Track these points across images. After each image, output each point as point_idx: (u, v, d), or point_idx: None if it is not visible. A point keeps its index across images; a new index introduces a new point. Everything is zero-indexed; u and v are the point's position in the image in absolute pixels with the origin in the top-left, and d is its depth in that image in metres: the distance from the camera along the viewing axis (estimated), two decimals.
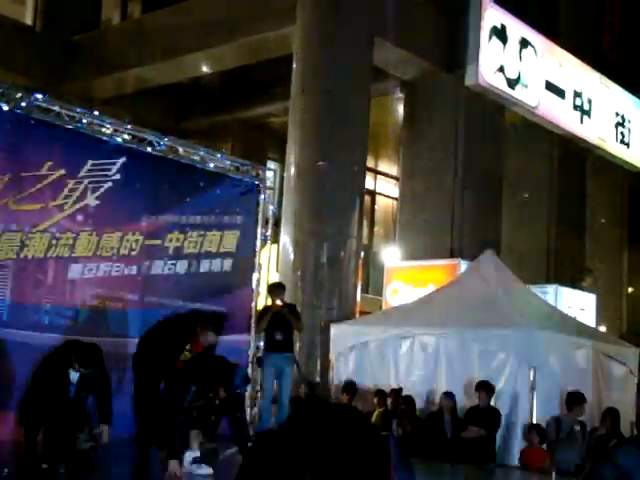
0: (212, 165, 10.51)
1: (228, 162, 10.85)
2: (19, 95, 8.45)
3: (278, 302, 9.92)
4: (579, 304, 16.68)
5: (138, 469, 7.71)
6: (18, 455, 7.41)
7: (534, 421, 9.47)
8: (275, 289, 10.25)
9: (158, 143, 9.78)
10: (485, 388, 9.45)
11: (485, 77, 15.19)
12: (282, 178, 14.38)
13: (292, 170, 13.93)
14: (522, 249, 18.21)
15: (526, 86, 16.17)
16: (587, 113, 18.19)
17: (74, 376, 7.03)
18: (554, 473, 8.86)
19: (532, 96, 16.39)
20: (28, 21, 19.27)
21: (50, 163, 8.62)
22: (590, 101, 18.23)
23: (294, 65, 14.17)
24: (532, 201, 19.13)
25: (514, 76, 15.88)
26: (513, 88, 15.87)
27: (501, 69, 15.57)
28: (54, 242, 8.74)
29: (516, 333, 9.69)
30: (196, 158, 10.38)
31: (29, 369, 7.79)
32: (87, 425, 7.04)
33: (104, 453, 7.25)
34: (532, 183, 19.07)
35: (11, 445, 7.76)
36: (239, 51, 16.93)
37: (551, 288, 16.21)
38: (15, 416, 7.74)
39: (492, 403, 9.51)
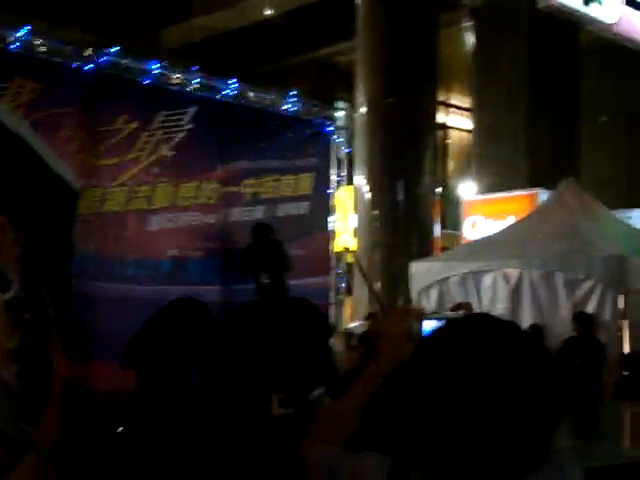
0: (282, 108, 10.45)
1: (298, 105, 10.76)
2: (89, 52, 8.51)
3: None
4: None
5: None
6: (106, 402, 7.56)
7: (626, 350, 9.24)
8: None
9: (228, 90, 9.76)
10: (581, 320, 9.22)
11: None
12: (353, 117, 14.20)
13: (362, 108, 13.73)
14: (603, 173, 17.67)
15: (601, 3, 15.45)
16: None
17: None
18: None
19: (610, 12, 15.64)
20: None
21: (124, 117, 8.71)
22: None
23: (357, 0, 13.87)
24: (610, 123, 18.47)
25: None
26: (588, 5, 15.18)
27: None
28: (133, 195, 8.87)
29: (603, 259, 9.41)
30: (266, 103, 10.33)
31: (116, 320, 7.99)
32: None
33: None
34: (610, 104, 18.38)
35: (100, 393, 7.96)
36: None
37: (636, 212, 15.71)
38: (106, 364, 7.96)
39: None
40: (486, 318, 1.44)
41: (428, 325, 1.74)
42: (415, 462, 1.35)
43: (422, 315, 1.73)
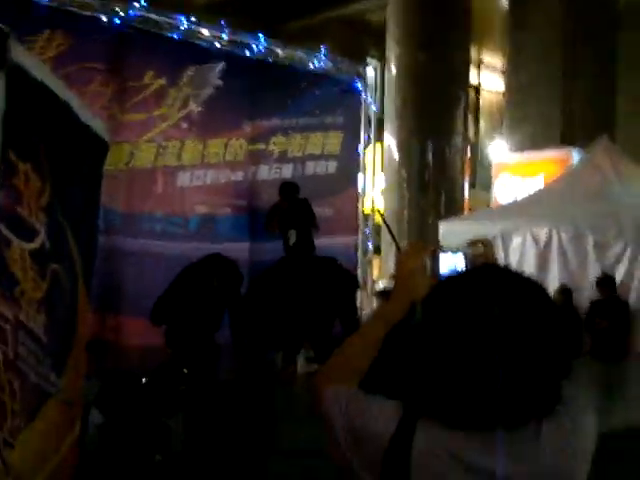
0: (311, 66, 10.35)
1: (328, 61, 10.63)
2: (118, 6, 8.45)
3: None
4: None
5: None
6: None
7: None
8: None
9: (257, 46, 9.66)
10: (605, 284, 9.12)
11: None
12: (383, 76, 14.03)
13: (393, 67, 13.58)
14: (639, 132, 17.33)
15: None
16: None
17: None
18: None
19: None
20: None
21: (151, 72, 8.67)
22: None
23: None
24: None
25: None
26: None
27: None
28: (161, 151, 8.87)
29: (633, 221, 9.28)
30: (295, 60, 10.23)
31: (145, 275, 8.06)
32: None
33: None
34: None
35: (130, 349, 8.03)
36: None
37: None
38: (135, 319, 8.04)
39: None
40: (498, 268, 1.46)
41: (445, 259, 1.73)
42: (426, 409, 1.36)
43: (437, 250, 1.72)
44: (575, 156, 13.23)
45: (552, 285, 9.70)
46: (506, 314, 1.30)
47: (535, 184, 12.68)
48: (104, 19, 8.30)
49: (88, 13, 8.19)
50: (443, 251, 1.82)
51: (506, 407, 1.30)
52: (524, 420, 1.33)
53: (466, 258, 1.82)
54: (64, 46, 7.81)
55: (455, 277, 1.44)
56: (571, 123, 15.32)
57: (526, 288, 1.37)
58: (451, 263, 1.70)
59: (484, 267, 1.55)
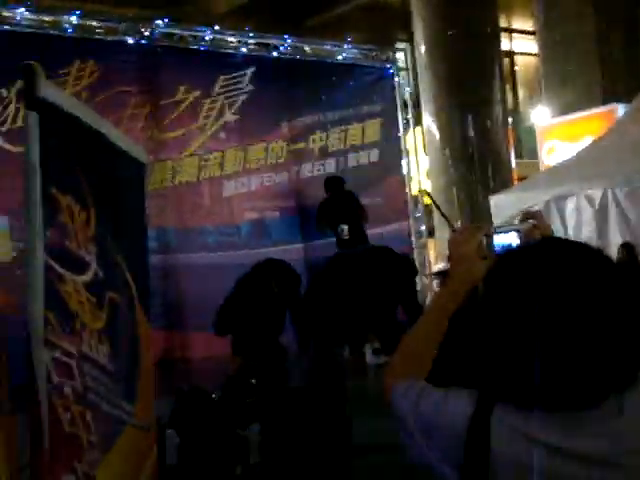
0: (341, 57, 10.30)
1: (356, 51, 10.57)
2: (141, 26, 8.53)
3: None
4: None
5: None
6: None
7: None
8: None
9: (283, 46, 9.65)
10: None
11: None
12: (414, 57, 13.88)
13: (422, 46, 13.42)
14: None
15: None
16: None
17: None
18: None
19: None
20: None
21: (183, 87, 8.72)
22: None
23: None
24: None
25: None
26: None
27: None
28: (203, 164, 8.92)
29: None
30: (323, 54, 10.19)
31: (204, 289, 8.09)
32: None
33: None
34: None
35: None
36: None
37: None
38: (201, 333, 8.09)
39: None
40: (557, 240, 1.42)
41: (498, 239, 1.68)
42: (499, 394, 1.32)
43: (491, 230, 1.66)
44: (620, 111, 12.92)
45: (614, 244, 9.49)
46: (572, 286, 1.26)
47: (582, 147, 12.40)
48: (130, 41, 8.38)
49: (114, 38, 8.28)
50: (496, 232, 1.79)
51: (583, 383, 1.26)
52: (604, 395, 1.27)
53: (520, 234, 1.76)
54: (96, 74, 7.91)
55: (514, 254, 1.41)
56: (612, 77, 14.95)
57: (588, 257, 1.33)
58: (506, 241, 1.67)
59: (542, 241, 1.52)
